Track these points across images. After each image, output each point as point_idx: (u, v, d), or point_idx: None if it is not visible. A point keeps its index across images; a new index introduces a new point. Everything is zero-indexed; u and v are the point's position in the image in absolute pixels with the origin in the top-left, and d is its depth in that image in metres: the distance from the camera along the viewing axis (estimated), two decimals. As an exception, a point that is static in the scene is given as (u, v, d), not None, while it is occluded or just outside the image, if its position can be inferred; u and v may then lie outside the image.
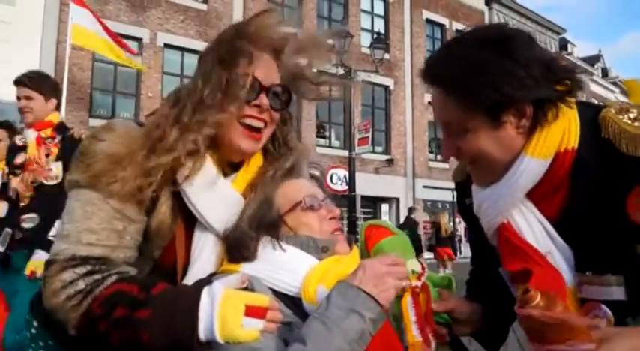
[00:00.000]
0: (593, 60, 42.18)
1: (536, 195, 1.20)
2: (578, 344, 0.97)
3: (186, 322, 1.12)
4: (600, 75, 40.50)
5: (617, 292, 1.09)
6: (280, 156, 1.52)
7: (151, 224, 1.34)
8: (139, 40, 16.97)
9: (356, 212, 15.40)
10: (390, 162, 22.32)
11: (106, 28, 12.59)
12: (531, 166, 1.16)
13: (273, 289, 1.24)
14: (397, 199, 22.71)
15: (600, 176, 1.12)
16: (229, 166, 1.46)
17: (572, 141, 1.15)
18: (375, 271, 1.16)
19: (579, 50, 43.34)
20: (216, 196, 1.38)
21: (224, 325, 1.09)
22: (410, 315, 1.26)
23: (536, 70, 1.11)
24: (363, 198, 19.82)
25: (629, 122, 1.11)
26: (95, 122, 15.67)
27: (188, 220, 1.39)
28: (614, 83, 38.58)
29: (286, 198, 1.38)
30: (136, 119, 14.36)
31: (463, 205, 1.41)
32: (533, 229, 1.20)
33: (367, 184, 19.61)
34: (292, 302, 1.23)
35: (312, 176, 1.55)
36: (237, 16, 18.90)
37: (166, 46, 17.43)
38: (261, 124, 1.42)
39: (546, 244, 1.18)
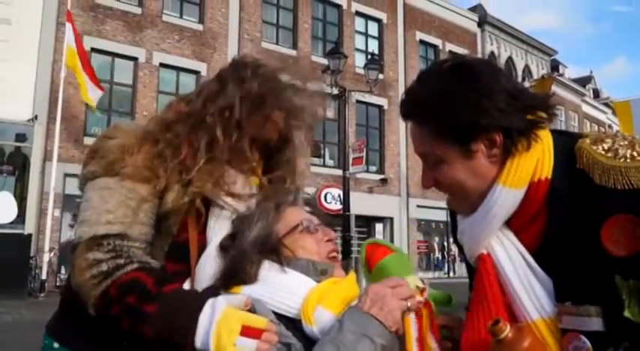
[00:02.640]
0: (584, 81, 42.62)
1: (516, 224, 1.21)
2: None
3: (185, 328, 1.20)
4: (592, 96, 40.90)
5: (596, 323, 1.07)
6: (283, 187, 1.62)
7: (167, 201, 1.42)
8: (134, 59, 17.09)
9: (350, 232, 15.38)
10: (384, 181, 22.37)
11: (84, 60, 12.86)
12: (504, 196, 1.16)
13: (273, 310, 1.25)
14: (391, 219, 22.71)
15: (575, 206, 1.12)
16: None
17: (546, 171, 1.15)
18: (379, 295, 1.19)
19: (571, 72, 43.92)
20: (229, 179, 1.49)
21: (219, 341, 1.15)
22: (412, 331, 1.26)
23: (500, 99, 1.13)
24: (357, 217, 19.82)
25: (603, 153, 1.11)
26: (90, 141, 15.64)
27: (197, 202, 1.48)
28: (606, 104, 38.97)
29: (284, 222, 1.40)
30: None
31: (455, 233, 1.43)
32: (513, 259, 1.20)
33: (361, 204, 19.62)
34: (292, 324, 1.24)
35: (307, 202, 1.56)
36: (233, 36, 19.10)
37: (162, 65, 17.54)
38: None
39: (526, 275, 1.18)
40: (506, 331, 1.03)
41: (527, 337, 1.03)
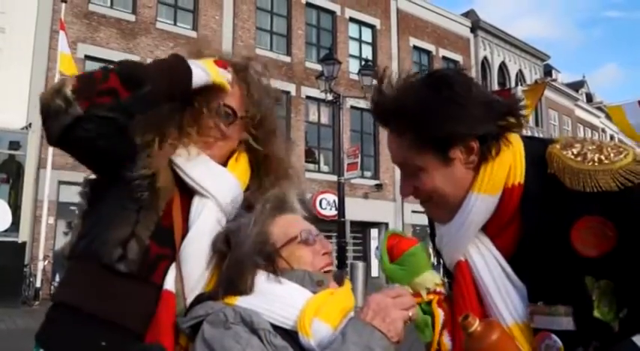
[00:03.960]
0: (577, 85, 42.76)
1: (492, 230, 1.25)
2: None
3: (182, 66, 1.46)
4: (585, 100, 41.08)
5: (566, 323, 1.11)
6: (267, 187, 1.64)
7: (154, 175, 1.46)
8: (128, 66, 17.05)
9: (345, 237, 15.38)
10: (378, 187, 22.38)
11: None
12: (480, 203, 1.21)
13: (270, 322, 1.25)
14: (386, 224, 22.69)
15: (547, 210, 1.15)
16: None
17: (519, 176, 1.19)
18: (381, 305, 1.19)
19: (563, 77, 44.06)
20: (211, 171, 1.54)
21: (209, 68, 1.51)
22: (440, 317, 1.29)
23: (475, 108, 1.17)
24: (353, 223, 19.82)
25: (572, 157, 1.15)
26: (84, 148, 15.61)
27: (183, 195, 1.52)
28: (599, 108, 39.13)
29: (282, 231, 1.41)
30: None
31: (434, 238, 1.45)
32: (490, 266, 1.24)
33: (356, 209, 19.61)
34: (289, 336, 1.24)
35: (301, 201, 1.58)
36: (227, 43, 19.10)
37: (156, 72, 17.52)
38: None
39: (502, 282, 1.21)
40: (476, 324, 1.06)
41: (496, 331, 1.06)
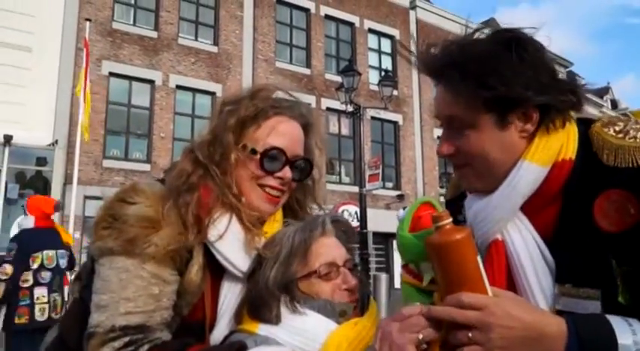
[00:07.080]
0: (602, 92, 42.12)
1: (531, 208, 1.18)
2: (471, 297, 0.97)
3: None
4: (610, 107, 40.42)
5: (593, 307, 1.07)
6: (308, 214, 1.60)
7: (182, 283, 1.36)
8: (151, 82, 17.34)
9: (368, 249, 15.28)
10: (400, 197, 22.24)
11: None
12: (530, 172, 1.15)
13: None
14: (409, 235, 22.53)
15: (585, 188, 1.12)
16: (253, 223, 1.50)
17: (570, 152, 1.15)
18: (385, 332, 1.10)
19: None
20: (248, 250, 1.40)
21: None
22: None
23: (544, 75, 1.13)
24: (375, 234, 19.71)
25: (614, 134, 1.13)
26: (109, 163, 15.87)
27: (215, 276, 1.42)
28: (625, 114, 38.25)
29: (303, 262, 1.36)
30: (149, 159, 14.41)
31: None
32: (529, 247, 1.17)
33: (378, 220, 19.50)
34: None
35: (334, 220, 1.48)
36: (247, 57, 19.30)
37: (178, 87, 17.77)
38: (280, 194, 1.48)
39: (541, 264, 1.16)
40: (447, 221, 1.01)
41: (463, 232, 1.00)
